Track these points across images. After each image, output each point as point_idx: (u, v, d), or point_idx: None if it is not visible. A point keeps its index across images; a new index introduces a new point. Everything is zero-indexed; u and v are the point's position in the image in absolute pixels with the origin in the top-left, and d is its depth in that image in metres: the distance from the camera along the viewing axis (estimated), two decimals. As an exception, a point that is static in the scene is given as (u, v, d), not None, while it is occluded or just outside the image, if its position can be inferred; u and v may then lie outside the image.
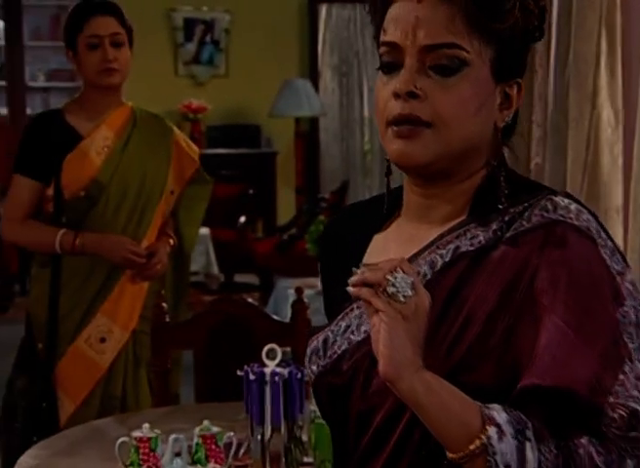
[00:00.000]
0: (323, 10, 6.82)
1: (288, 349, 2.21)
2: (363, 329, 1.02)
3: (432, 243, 1.02)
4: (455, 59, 0.97)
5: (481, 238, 0.99)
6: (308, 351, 1.07)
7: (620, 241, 2.26)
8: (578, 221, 0.97)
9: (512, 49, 1.00)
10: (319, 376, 1.06)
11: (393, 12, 0.99)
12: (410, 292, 0.90)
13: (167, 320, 2.31)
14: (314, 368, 1.06)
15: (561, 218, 0.97)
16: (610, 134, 2.32)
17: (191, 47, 6.21)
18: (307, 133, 6.52)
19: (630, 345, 0.95)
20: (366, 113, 7.04)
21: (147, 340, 2.39)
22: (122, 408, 2.41)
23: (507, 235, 0.98)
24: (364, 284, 0.91)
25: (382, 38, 1.00)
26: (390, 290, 0.90)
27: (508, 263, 0.97)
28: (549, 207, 0.98)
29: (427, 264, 1.01)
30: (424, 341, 0.93)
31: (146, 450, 1.71)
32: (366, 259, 1.06)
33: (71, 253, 2.39)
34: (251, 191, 5.90)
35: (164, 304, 2.31)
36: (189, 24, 6.19)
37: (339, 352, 1.04)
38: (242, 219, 5.59)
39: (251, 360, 1.71)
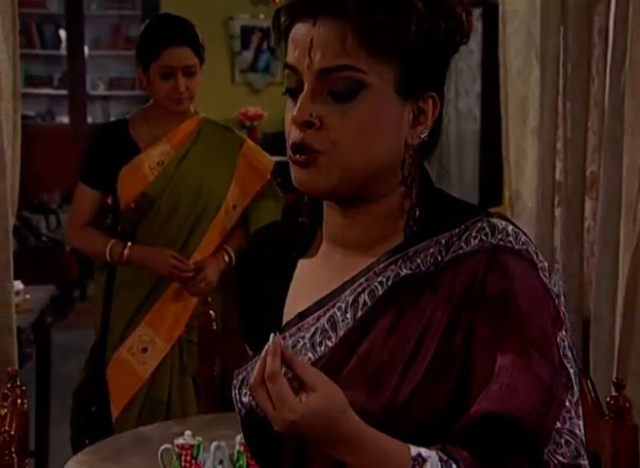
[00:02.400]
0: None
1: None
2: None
3: (368, 269, 0.98)
4: (351, 83, 0.93)
5: (419, 262, 0.96)
6: (236, 382, 1.03)
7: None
8: (517, 245, 0.95)
9: (419, 64, 0.95)
10: (251, 410, 1.01)
11: (292, 34, 0.96)
12: None
13: (214, 327, 2.32)
14: (245, 400, 1.02)
15: (501, 243, 0.95)
16: (667, 140, 2.25)
17: (248, 55, 6.26)
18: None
19: (570, 370, 0.94)
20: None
21: (195, 349, 2.40)
22: (167, 414, 2.43)
23: (447, 258, 0.96)
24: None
25: (285, 60, 0.97)
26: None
27: (452, 287, 0.94)
28: (487, 230, 0.96)
29: (367, 293, 0.97)
30: (374, 374, 0.92)
31: (188, 458, 1.73)
32: (294, 287, 1.03)
33: (120, 263, 2.44)
34: (306, 198, 5.91)
35: (211, 312, 2.32)
36: (246, 33, 6.24)
37: None
38: (297, 227, 5.60)
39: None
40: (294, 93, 0.96)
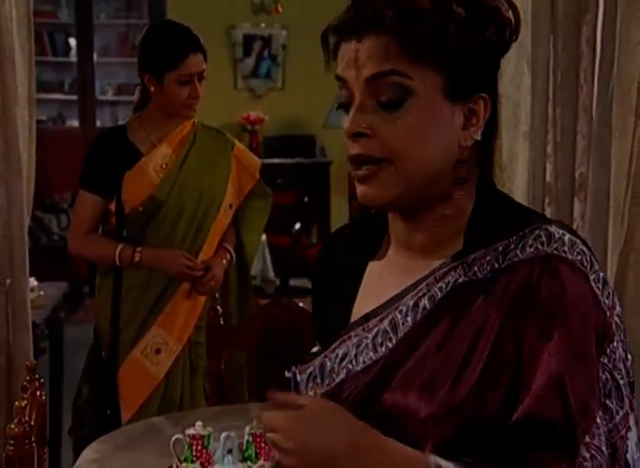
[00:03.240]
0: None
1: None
2: (361, 359, 1.02)
3: (430, 274, 1.00)
4: (398, 90, 0.95)
5: (476, 269, 0.98)
6: (304, 377, 1.06)
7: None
8: (571, 255, 0.96)
9: (465, 68, 0.96)
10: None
11: (340, 52, 1.00)
12: None
13: (221, 323, 2.40)
14: (311, 394, 1.04)
15: (555, 252, 0.96)
16: (654, 145, 2.31)
17: (250, 62, 6.34)
18: (361, 143, 6.57)
19: (620, 382, 0.96)
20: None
21: (203, 351, 2.44)
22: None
23: (503, 265, 0.97)
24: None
25: (336, 73, 1.00)
26: None
27: (506, 292, 0.96)
28: (544, 238, 0.97)
29: (427, 297, 1.00)
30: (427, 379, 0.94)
31: (199, 447, 1.77)
32: (363, 289, 1.06)
33: (130, 266, 2.45)
34: (306, 199, 6.00)
35: (218, 307, 2.39)
36: (248, 40, 6.33)
37: (337, 380, 1.03)
38: (297, 226, 5.70)
39: (301, 362, 1.78)
40: (346, 107, 0.99)
